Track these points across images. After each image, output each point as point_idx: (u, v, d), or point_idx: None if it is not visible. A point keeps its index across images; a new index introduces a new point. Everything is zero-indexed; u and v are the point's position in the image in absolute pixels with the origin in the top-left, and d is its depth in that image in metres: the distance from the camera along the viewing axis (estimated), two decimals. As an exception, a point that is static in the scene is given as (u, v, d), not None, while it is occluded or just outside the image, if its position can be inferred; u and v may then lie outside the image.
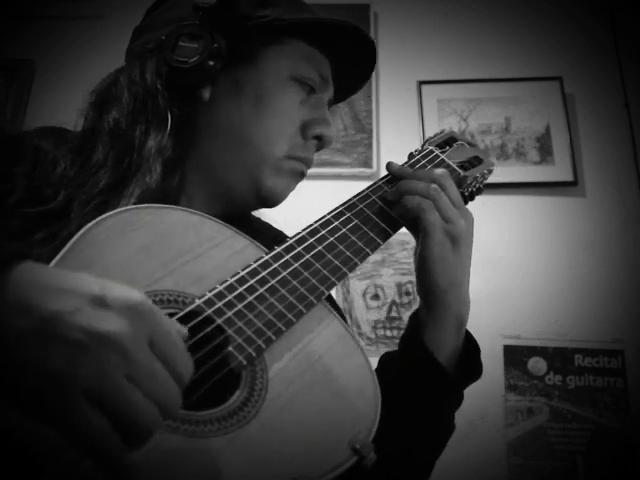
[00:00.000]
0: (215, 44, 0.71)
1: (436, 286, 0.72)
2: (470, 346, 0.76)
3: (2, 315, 0.38)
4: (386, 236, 0.73)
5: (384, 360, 0.80)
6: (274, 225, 0.90)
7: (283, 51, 0.76)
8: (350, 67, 0.83)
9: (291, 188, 0.80)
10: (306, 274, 0.64)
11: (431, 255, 0.71)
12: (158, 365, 0.41)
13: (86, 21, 2.23)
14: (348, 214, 0.72)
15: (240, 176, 0.75)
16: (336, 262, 0.67)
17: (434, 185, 0.72)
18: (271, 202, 0.79)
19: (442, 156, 0.84)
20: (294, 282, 0.62)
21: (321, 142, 0.79)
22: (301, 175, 0.80)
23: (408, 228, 0.77)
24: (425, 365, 0.72)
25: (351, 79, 0.86)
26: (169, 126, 0.71)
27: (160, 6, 0.81)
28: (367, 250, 0.70)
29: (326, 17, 0.76)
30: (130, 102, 0.73)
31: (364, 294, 1.90)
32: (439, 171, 0.74)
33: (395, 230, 0.74)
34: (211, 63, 0.71)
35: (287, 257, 0.64)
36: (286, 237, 0.87)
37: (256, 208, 0.82)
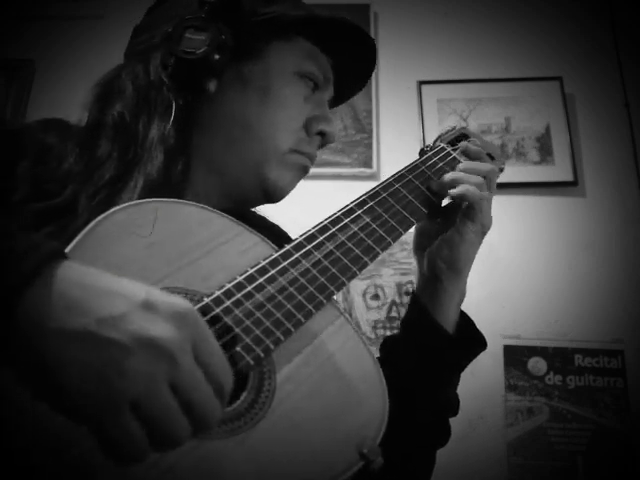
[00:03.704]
0: (223, 36, 0.71)
1: (457, 266, 0.76)
2: (464, 321, 0.80)
3: (48, 314, 0.38)
4: (396, 236, 0.71)
5: (388, 342, 0.81)
6: (270, 219, 0.90)
7: (288, 47, 0.77)
8: (349, 70, 0.83)
9: (295, 182, 0.80)
10: (315, 273, 0.62)
11: (466, 240, 0.76)
12: (201, 375, 0.41)
13: (86, 21, 2.23)
14: (358, 211, 0.71)
15: (245, 169, 0.75)
16: (345, 260, 0.65)
17: (484, 181, 0.76)
18: (275, 196, 0.78)
19: (454, 154, 0.83)
20: (303, 281, 0.61)
21: (324, 138, 0.80)
22: (305, 170, 0.80)
23: (436, 217, 0.80)
24: (434, 336, 0.75)
25: (350, 82, 0.87)
26: (172, 116, 0.71)
27: (161, 5, 0.81)
28: (377, 249, 0.69)
29: (331, 14, 0.77)
30: (134, 95, 0.73)
31: (364, 294, 1.90)
32: (492, 168, 0.80)
33: (406, 230, 0.73)
34: (218, 55, 0.71)
35: (297, 255, 0.63)
36: (282, 230, 0.87)
37: (260, 203, 0.81)
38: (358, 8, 2.20)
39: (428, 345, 0.76)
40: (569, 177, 1.98)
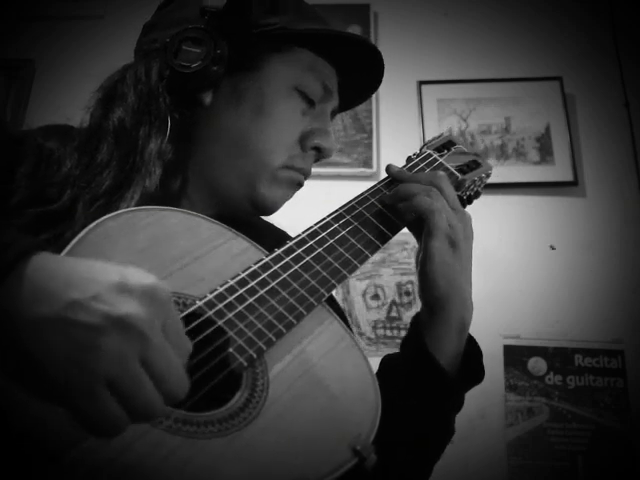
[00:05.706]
0: (218, 50, 0.71)
1: (437, 290, 0.71)
2: (472, 349, 0.76)
3: (22, 304, 0.39)
4: (385, 239, 0.73)
5: (386, 362, 0.79)
6: (277, 226, 0.90)
7: (288, 60, 0.76)
8: (357, 77, 0.82)
9: (287, 198, 0.80)
10: (306, 276, 0.64)
11: (432, 259, 0.70)
12: (171, 351, 0.42)
13: (86, 21, 2.23)
14: (347, 217, 0.73)
15: (237, 182, 0.75)
16: (336, 264, 0.67)
17: (434, 189, 0.72)
18: (265, 210, 0.79)
19: (440, 160, 0.84)
20: (294, 284, 0.63)
21: (320, 153, 0.79)
22: (298, 185, 0.80)
23: (411, 230, 0.77)
24: (426, 368, 0.72)
25: (357, 89, 0.86)
26: (168, 130, 0.71)
27: (169, 4, 0.81)
28: (366, 252, 0.70)
29: (333, 29, 0.76)
30: (135, 102, 0.72)
31: (364, 294, 1.90)
32: (438, 174, 0.74)
33: (394, 233, 0.74)
34: (214, 69, 0.71)
35: (287, 259, 0.64)
36: (289, 238, 0.86)
37: (251, 214, 0.81)
38: (358, 8, 2.20)
39: (420, 377, 0.72)
40: (569, 177, 1.98)
